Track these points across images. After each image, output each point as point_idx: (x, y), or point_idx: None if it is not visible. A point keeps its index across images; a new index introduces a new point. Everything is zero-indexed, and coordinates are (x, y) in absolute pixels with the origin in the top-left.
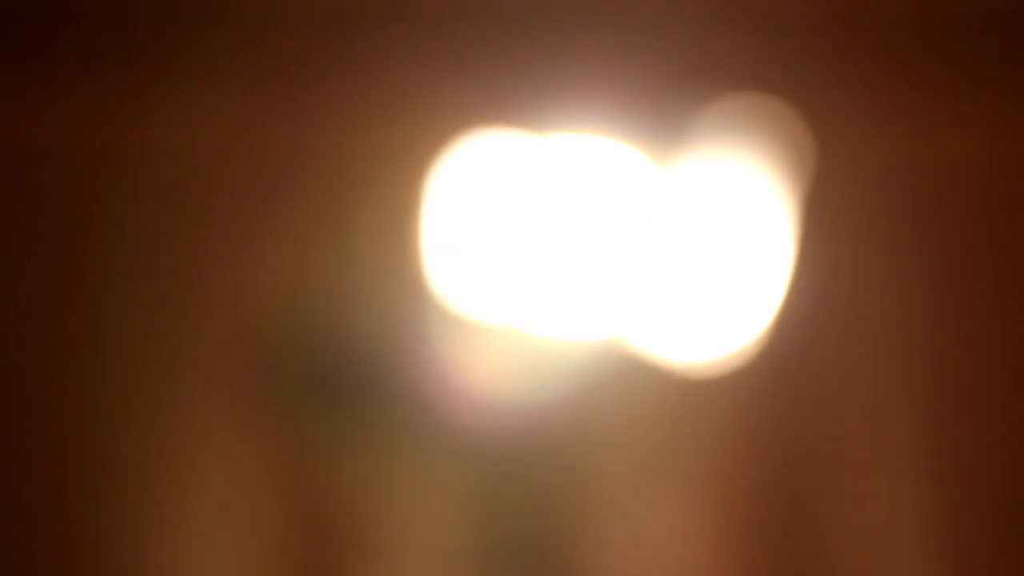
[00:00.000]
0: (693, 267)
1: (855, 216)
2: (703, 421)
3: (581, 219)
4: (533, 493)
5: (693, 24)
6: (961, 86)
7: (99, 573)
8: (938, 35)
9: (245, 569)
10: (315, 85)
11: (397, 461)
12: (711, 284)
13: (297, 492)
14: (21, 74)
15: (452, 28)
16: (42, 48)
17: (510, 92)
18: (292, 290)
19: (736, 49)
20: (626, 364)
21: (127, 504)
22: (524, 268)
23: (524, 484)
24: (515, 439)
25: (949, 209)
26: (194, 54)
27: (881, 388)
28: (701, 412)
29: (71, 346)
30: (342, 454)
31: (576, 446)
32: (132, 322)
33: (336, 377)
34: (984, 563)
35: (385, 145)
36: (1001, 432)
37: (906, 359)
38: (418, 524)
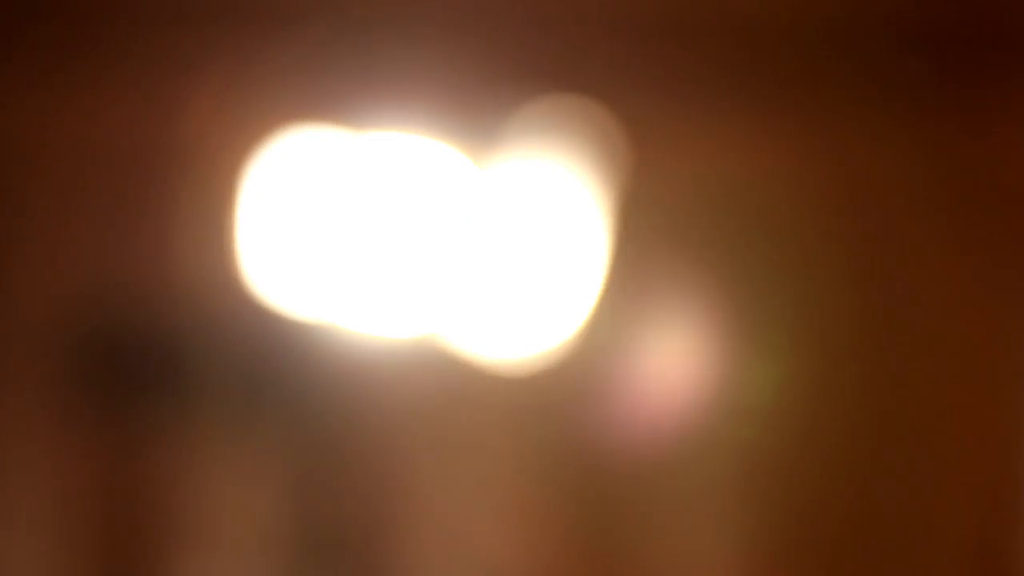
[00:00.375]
0: (509, 266)
1: (668, 218)
2: (517, 419)
3: (399, 217)
4: (348, 488)
5: (511, 24)
6: (770, 96)
7: None
8: (751, 44)
9: (58, 562)
10: (134, 77)
11: (211, 454)
12: (527, 283)
13: (110, 485)
14: None
15: (271, 24)
16: None
17: (329, 89)
18: (107, 282)
19: (554, 50)
20: (442, 361)
21: None
22: (341, 264)
23: (339, 479)
24: (331, 434)
25: (760, 214)
26: (8, 45)
27: (693, 387)
28: (515, 410)
29: None
30: (156, 447)
31: (391, 442)
32: None
33: (151, 370)
34: (791, 562)
35: (203, 140)
36: (810, 427)
37: (716, 357)
38: (232, 516)
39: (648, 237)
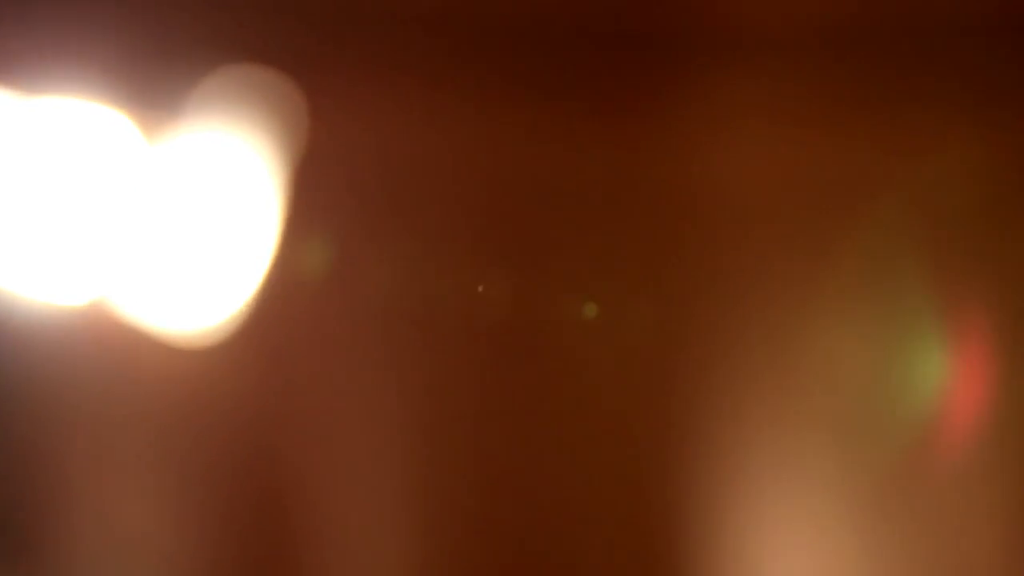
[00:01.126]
0: (181, 235)
1: (345, 192)
2: (187, 391)
3: (69, 183)
4: (6, 464)
5: None
6: (452, 73)
7: None
8: (437, 22)
9: None
10: None
11: None
12: (199, 253)
13: None
14: None
15: None
16: None
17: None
18: None
19: (234, 19)
20: (109, 329)
21: None
22: (8, 229)
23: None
24: None
25: (440, 195)
26: None
27: (371, 366)
28: (185, 382)
29: None
30: None
31: (53, 413)
32: None
33: None
34: (462, 553)
35: None
36: (490, 419)
37: (396, 336)
38: None
39: (323, 210)
